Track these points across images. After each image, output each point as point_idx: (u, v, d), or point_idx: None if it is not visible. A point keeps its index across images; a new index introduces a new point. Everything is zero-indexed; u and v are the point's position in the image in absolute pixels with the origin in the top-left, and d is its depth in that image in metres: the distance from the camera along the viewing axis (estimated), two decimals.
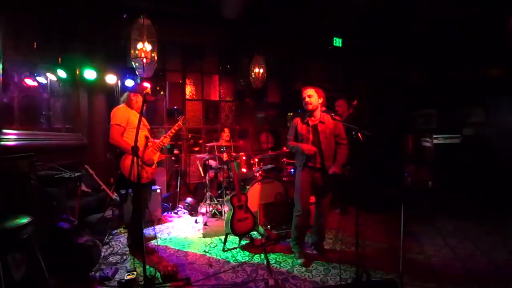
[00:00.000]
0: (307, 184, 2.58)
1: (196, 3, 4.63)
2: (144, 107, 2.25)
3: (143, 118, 2.77)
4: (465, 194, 4.85)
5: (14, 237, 1.58)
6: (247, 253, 2.80)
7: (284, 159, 4.44)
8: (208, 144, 4.18)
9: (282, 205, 3.51)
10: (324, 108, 2.65)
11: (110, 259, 2.67)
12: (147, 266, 2.19)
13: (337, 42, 5.83)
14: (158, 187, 3.87)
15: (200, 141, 5.65)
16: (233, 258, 2.68)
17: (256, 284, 2.21)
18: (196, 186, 5.13)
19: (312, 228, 2.80)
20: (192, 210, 4.10)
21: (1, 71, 2.34)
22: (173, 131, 2.92)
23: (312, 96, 2.56)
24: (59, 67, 3.70)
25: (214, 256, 2.73)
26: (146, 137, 2.74)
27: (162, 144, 2.85)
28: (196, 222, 3.77)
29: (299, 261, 2.55)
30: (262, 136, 6.25)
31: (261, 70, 4.88)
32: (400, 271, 1.91)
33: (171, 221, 3.86)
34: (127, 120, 2.62)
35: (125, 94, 2.78)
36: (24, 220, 1.63)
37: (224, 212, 3.60)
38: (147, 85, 2.79)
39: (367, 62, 6.60)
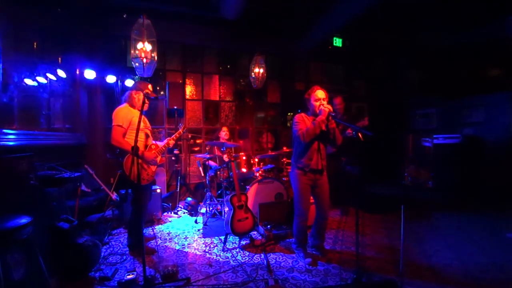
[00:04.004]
0: (307, 187, 2.58)
1: (195, 3, 4.64)
2: (145, 106, 2.24)
3: (145, 119, 2.79)
4: (465, 194, 4.85)
5: (14, 237, 1.58)
6: (247, 253, 2.80)
7: (284, 159, 4.44)
8: (208, 142, 4.19)
9: (282, 205, 3.51)
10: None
11: (110, 259, 2.67)
12: (147, 266, 2.19)
13: (337, 42, 5.84)
14: (158, 187, 3.87)
15: (200, 141, 5.65)
16: (233, 258, 2.68)
17: (256, 284, 2.21)
18: (196, 186, 5.13)
19: (312, 229, 2.79)
20: (192, 210, 4.10)
21: (1, 71, 2.34)
22: (174, 138, 2.95)
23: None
24: (59, 67, 3.70)
25: (214, 256, 2.73)
26: (146, 135, 2.74)
27: (166, 146, 2.87)
28: (196, 222, 3.77)
29: (307, 260, 2.54)
30: (262, 136, 6.25)
31: (261, 70, 4.88)
32: (400, 271, 1.91)
33: (171, 221, 3.86)
34: (129, 121, 2.60)
35: (127, 93, 2.76)
36: (24, 220, 1.63)
37: (224, 212, 3.60)
38: (148, 82, 2.79)
39: (367, 62, 6.60)
